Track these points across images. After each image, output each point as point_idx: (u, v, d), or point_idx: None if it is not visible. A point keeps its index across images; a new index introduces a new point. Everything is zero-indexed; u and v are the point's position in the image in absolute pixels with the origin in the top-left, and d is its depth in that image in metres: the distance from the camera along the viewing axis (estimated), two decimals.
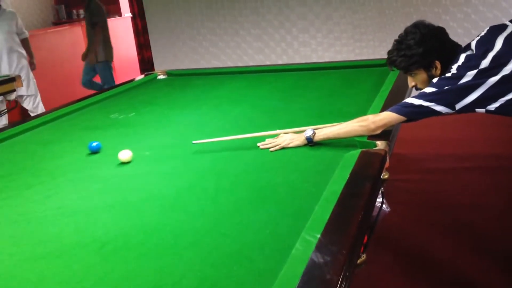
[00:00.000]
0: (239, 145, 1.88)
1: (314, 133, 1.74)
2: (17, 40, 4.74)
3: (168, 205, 1.42)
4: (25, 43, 4.84)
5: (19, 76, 3.78)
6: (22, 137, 2.22)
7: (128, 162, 1.79)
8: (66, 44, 5.06)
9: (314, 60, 4.70)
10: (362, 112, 1.99)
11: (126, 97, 2.92)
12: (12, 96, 3.75)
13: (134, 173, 1.70)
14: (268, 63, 4.85)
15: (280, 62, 4.81)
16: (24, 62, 4.79)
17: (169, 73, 3.47)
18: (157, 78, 3.40)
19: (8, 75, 3.80)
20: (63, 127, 2.37)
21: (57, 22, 7.20)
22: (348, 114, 2.07)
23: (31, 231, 1.32)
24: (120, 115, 2.49)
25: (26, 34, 4.88)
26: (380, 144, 1.54)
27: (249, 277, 1.01)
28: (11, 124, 2.38)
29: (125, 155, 1.79)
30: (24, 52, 4.79)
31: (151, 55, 5.45)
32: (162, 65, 5.18)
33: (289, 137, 1.80)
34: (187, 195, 1.47)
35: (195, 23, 5.05)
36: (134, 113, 2.51)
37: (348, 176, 1.34)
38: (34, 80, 4.87)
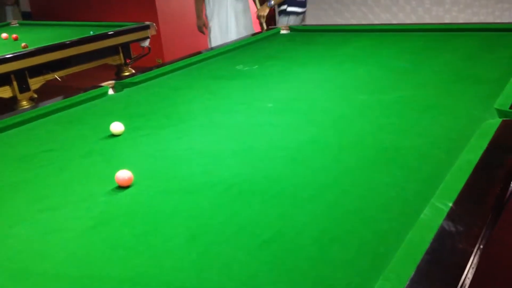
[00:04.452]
0: (362, 103, 1.84)
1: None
2: None
3: (290, 156, 1.44)
4: None
5: (153, 24, 4.02)
6: (156, 81, 2.38)
7: (119, 135, 1.67)
8: None
9: (447, 21, 4.35)
10: (505, 79, 1.81)
11: (250, 50, 2.97)
12: (146, 43, 4.01)
13: (257, 123, 1.74)
14: (395, 22, 4.60)
15: (408, 21, 4.53)
16: (249, 18, 4.42)
17: (292, 28, 3.45)
18: (280, 32, 3.40)
19: (143, 23, 4.06)
20: (192, 74, 2.49)
21: None
22: (488, 80, 1.90)
23: (166, 166, 1.43)
24: (244, 67, 2.55)
25: None
26: None
27: (372, 236, 1.00)
28: (147, 68, 2.55)
29: (116, 127, 1.67)
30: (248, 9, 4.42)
31: (274, 10, 5.44)
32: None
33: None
34: (309, 149, 1.48)
35: None
36: (257, 66, 2.55)
37: (486, 145, 1.24)
38: None
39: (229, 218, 1.12)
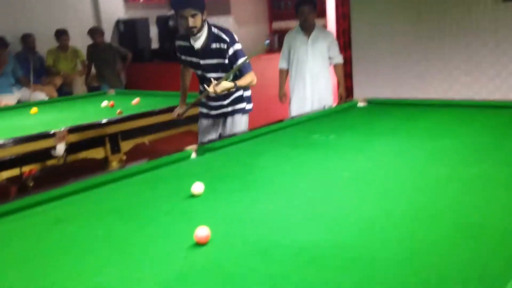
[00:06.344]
0: (440, 178, 1.80)
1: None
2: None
3: (364, 226, 1.43)
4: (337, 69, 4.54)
5: None
6: (237, 147, 2.47)
7: (199, 195, 1.76)
8: (273, 70, 5.50)
9: None
10: None
11: (327, 120, 3.04)
12: None
13: (332, 191, 1.77)
14: (477, 98, 4.50)
15: (491, 98, 4.42)
16: (330, 92, 4.52)
17: (369, 101, 3.50)
18: (358, 105, 3.45)
19: None
20: (271, 142, 2.57)
21: (270, 51, 7.81)
22: None
23: (241, 228, 1.49)
24: (321, 136, 2.61)
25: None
26: None
27: None
28: (224, 137, 2.68)
29: (198, 188, 1.76)
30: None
31: (351, 84, 5.56)
32: (361, 94, 5.22)
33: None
34: (384, 220, 1.47)
35: (399, 54, 4.99)
36: (334, 136, 2.60)
37: None
38: None
39: (300, 283, 1.13)
